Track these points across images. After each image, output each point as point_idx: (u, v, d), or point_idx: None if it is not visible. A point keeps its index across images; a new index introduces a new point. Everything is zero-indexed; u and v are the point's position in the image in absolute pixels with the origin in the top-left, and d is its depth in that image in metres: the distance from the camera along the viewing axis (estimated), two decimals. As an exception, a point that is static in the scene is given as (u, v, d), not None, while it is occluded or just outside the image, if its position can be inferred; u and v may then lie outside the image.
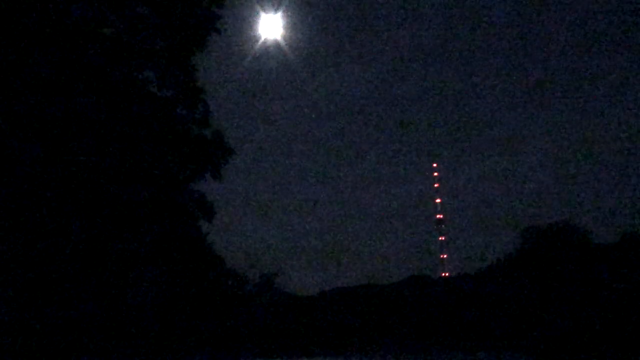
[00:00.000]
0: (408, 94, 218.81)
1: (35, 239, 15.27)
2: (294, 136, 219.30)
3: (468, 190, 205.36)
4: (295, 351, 76.59)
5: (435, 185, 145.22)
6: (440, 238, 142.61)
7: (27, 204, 15.13)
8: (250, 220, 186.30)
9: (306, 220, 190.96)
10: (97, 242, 16.65)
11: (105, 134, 17.01)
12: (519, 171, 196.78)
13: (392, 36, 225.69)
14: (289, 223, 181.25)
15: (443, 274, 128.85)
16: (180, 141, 19.45)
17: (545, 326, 62.94)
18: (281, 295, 75.63)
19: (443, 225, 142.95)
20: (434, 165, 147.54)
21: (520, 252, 71.87)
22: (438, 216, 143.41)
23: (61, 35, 16.06)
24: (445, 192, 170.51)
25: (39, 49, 15.64)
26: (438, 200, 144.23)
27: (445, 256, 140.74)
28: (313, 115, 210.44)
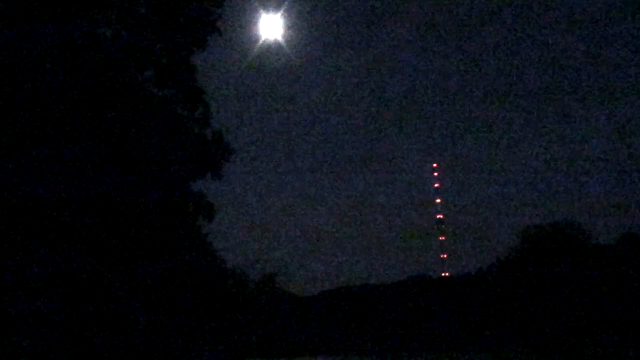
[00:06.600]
0: (408, 94, 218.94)
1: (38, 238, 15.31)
2: (293, 136, 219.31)
3: (468, 190, 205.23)
4: (295, 351, 76.58)
5: (436, 185, 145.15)
6: (440, 238, 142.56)
7: (27, 202, 15.16)
8: (251, 220, 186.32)
9: (306, 220, 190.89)
10: (96, 241, 16.67)
11: (105, 134, 17.02)
12: (519, 171, 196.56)
13: (393, 36, 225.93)
14: (289, 223, 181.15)
15: (443, 274, 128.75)
16: (180, 141, 19.46)
17: (544, 325, 62.99)
18: (281, 295, 75.62)
19: (443, 225, 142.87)
20: (434, 165, 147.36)
21: (520, 252, 71.94)
22: (438, 216, 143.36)
23: (62, 36, 16.08)
24: (445, 192, 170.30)
25: (39, 49, 15.65)
26: (438, 200, 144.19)
27: (445, 256, 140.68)
28: (313, 115, 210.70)
